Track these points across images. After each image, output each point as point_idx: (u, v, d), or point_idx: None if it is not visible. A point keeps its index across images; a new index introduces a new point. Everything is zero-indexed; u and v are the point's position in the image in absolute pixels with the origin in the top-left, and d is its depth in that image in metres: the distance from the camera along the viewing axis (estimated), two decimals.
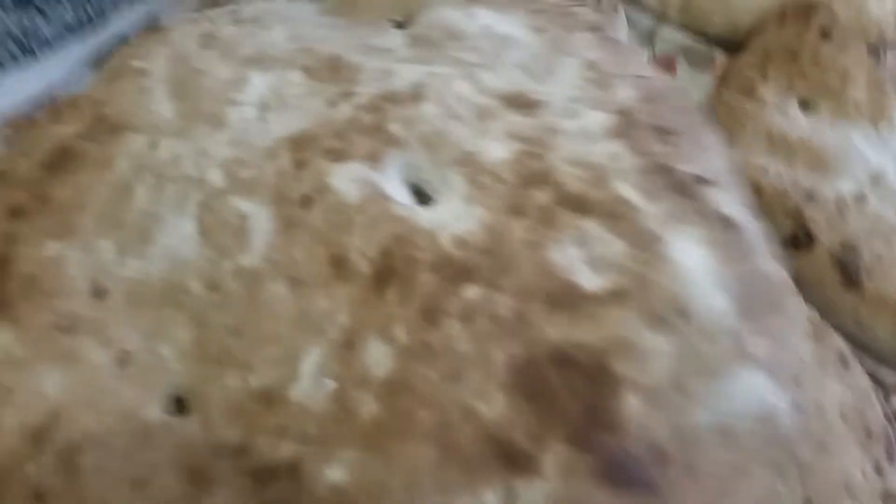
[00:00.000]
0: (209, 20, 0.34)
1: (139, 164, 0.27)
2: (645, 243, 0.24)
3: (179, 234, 0.25)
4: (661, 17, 0.46)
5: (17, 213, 0.26)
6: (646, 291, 0.23)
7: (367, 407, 0.21)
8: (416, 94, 0.28)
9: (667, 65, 0.45)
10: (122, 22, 0.49)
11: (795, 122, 0.40)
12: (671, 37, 0.45)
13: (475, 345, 0.22)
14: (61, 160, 0.27)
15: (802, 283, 0.34)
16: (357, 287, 0.23)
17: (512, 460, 0.20)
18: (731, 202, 0.27)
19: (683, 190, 0.26)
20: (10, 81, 0.40)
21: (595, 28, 0.32)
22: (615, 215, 0.25)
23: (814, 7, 0.44)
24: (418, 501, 0.20)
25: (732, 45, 0.45)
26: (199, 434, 0.22)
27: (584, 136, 0.27)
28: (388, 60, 0.30)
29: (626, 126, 0.27)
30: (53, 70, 0.46)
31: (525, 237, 0.24)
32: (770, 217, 0.35)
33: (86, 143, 0.27)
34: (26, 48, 0.48)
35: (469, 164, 0.26)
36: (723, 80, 0.43)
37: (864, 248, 0.35)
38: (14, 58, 0.47)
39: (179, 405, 0.23)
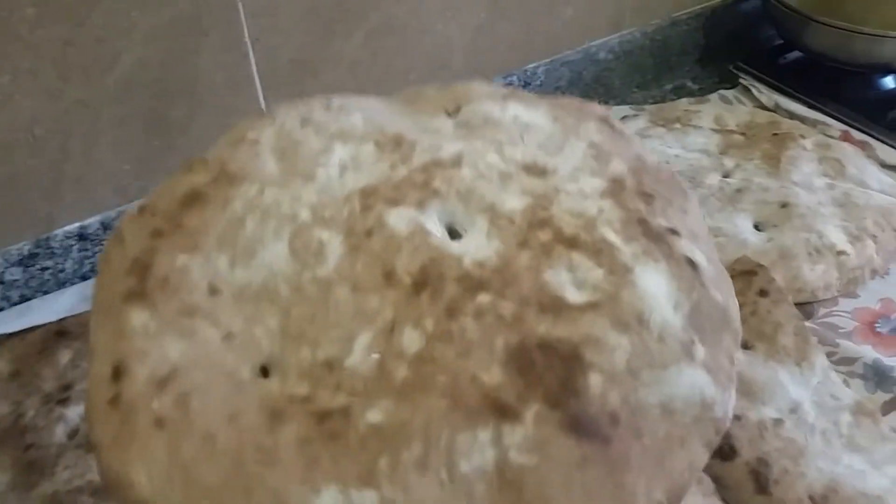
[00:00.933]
0: (306, 106, 0.44)
1: (250, 205, 0.36)
2: (619, 272, 0.32)
3: (275, 253, 0.34)
4: None
5: (156, 234, 0.35)
6: (615, 304, 0.30)
7: (401, 372, 0.29)
8: (456, 161, 0.37)
9: None
10: None
11: None
12: None
13: (482, 334, 0.30)
14: (192, 200, 0.36)
15: (723, 486, 0.45)
16: (400, 292, 0.31)
17: (502, 412, 0.27)
18: (695, 250, 0.34)
19: (655, 237, 0.33)
20: None
21: (602, 119, 0.41)
22: (598, 251, 0.32)
23: (755, 271, 0.56)
24: (432, 435, 0.27)
25: None
26: (277, 388, 0.30)
27: (581, 195, 0.35)
28: (438, 138, 0.39)
29: (615, 190, 0.35)
30: None
31: (528, 263, 0.32)
32: None
33: (211, 189, 0.37)
34: None
35: (491, 211, 0.34)
36: None
37: (775, 463, 0.44)
38: None
39: (264, 371, 0.31)
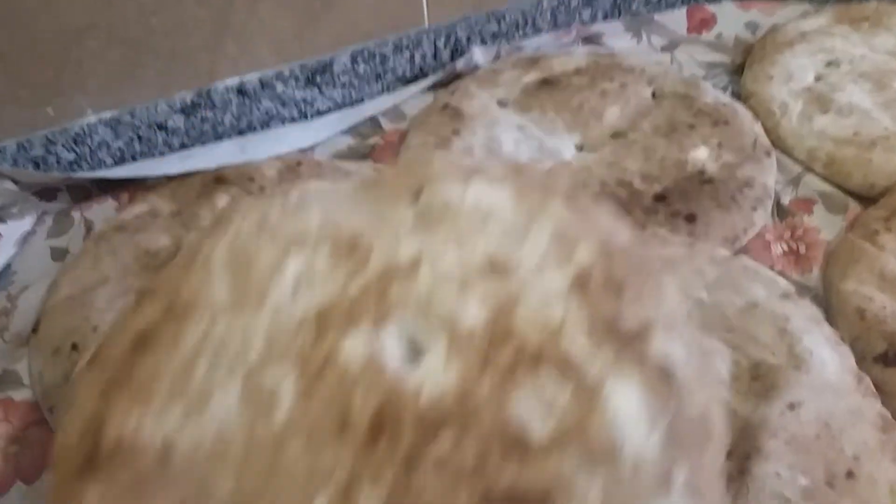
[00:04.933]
0: (266, 205, 0.42)
1: (202, 341, 0.34)
2: (586, 392, 0.29)
3: (226, 404, 0.32)
4: (808, 167, 0.52)
5: (108, 389, 0.34)
6: (583, 436, 0.28)
7: None
8: (414, 264, 0.35)
9: (806, 206, 0.51)
10: (373, 106, 0.69)
11: None
12: (814, 184, 0.52)
13: (444, 489, 0.27)
14: (142, 343, 0.35)
15: (884, 392, 0.41)
16: (357, 443, 0.29)
17: None
18: (671, 346, 0.31)
19: (625, 341, 0.31)
20: (288, 134, 0.58)
21: (569, 197, 0.38)
22: (564, 366, 0.30)
23: None
24: None
25: (866, 198, 0.53)
26: None
27: (545, 297, 0.32)
28: (396, 237, 0.37)
29: (581, 285, 0.33)
30: (320, 132, 0.67)
31: (490, 392, 0.30)
32: (866, 337, 0.44)
33: (161, 327, 0.35)
34: (304, 114, 0.69)
35: (451, 328, 0.32)
36: (852, 225, 0.51)
37: None
38: (294, 119, 0.69)
39: None
